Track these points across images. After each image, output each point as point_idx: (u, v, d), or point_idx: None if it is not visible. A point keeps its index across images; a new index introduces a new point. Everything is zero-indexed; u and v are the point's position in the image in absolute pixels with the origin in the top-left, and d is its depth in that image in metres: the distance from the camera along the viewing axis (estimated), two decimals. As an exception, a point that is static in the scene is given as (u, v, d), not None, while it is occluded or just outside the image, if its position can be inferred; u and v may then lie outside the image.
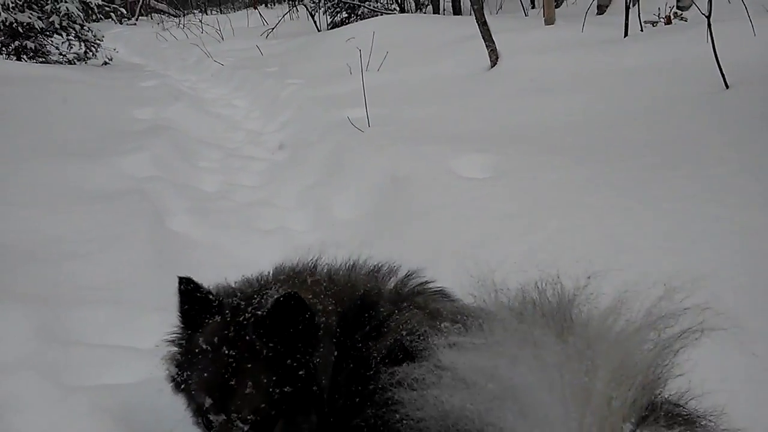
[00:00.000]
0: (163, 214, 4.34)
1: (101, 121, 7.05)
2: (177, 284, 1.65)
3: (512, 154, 4.44)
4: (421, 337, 1.39)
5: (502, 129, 5.20)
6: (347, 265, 1.80)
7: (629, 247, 2.93)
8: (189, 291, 1.64)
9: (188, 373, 1.57)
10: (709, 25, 5.03)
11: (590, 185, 3.65)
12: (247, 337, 1.51)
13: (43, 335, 2.57)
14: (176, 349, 1.69)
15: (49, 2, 12.36)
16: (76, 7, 12.55)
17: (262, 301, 1.58)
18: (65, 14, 12.39)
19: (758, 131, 4.12)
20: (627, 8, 6.93)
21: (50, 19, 12.33)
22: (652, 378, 1.07)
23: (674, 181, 3.54)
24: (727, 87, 4.97)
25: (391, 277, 1.74)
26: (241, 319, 1.55)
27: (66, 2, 12.38)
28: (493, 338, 1.12)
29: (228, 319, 1.57)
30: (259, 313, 1.54)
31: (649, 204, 3.31)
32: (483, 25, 6.97)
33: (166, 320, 2.85)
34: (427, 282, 1.72)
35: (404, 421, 1.21)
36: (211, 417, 1.50)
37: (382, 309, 1.58)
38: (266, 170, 5.78)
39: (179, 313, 1.67)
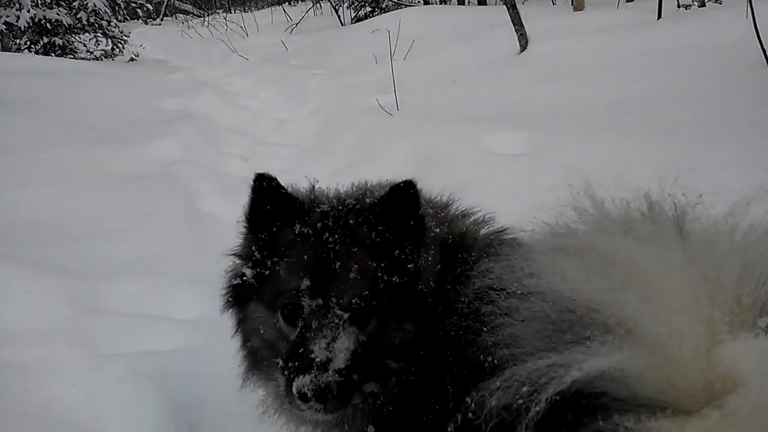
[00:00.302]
0: (193, 195, 4.31)
1: (129, 111, 7.06)
2: (253, 182, 1.53)
3: (547, 132, 4.32)
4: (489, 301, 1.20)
5: (534, 109, 5.08)
6: (443, 200, 1.66)
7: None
8: (268, 189, 1.51)
9: (276, 260, 1.44)
10: (750, 3, 4.85)
11: (633, 160, 3.52)
12: (355, 224, 1.43)
13: (77, 306, 2.53)
14: (243, 260, 1.56)
15: (76, -1, 12.49)
16: (103, 3, 12.65)
17: (361, 198, 1.50)
18: (92, 11, 12.50)
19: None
20: (661, -11, 6.75)
21: (77, 16, 12.45)
22: None
23: (719, 153, 3.40)
24: (769, 63, 4.79)
25: (483, 226, 1.58)
26: (348, 207, 1.46)
27: (93, -1, 12.50)
28: (604, 238, 1.02)
29: (333, 208, 1.47)
30: (369, 201, 1.46)
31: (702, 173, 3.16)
32: (512, 8, 6.84)
33: (202, 293, 2.83)
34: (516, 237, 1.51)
35: (489, 340, 1.11)
36: (305, 301, 1.37)
37: (473, 253, 1.42)
38: (294, 156, 5.73)
39: (251, 214, 1.55)
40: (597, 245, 1.03)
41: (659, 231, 1.02)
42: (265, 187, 1.52)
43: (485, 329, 1.15)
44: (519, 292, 1.08)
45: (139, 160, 4.91)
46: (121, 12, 14.78)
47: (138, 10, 16.29)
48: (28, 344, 2.21)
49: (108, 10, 12.83)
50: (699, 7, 7.61)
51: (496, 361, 1.08)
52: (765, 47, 4.80)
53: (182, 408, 1.91)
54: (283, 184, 1.53)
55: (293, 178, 5.27)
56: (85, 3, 12.40)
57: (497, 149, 4.12)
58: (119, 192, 4.11)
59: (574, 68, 6.14)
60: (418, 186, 1.42)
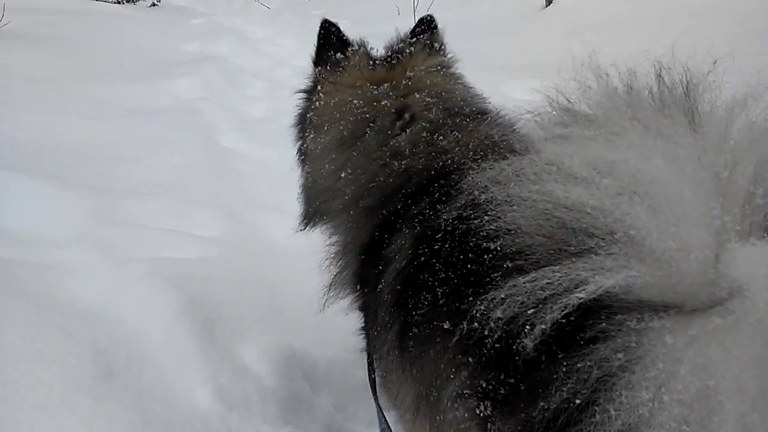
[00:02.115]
0: (212, 130, 4.38)
1: (151, 52, 7.10)
2: (319, 25, 1.89)
3: (564, 81, 4.30)
4: (484, 191, 1.18)
5: (557, 61, 5.04)
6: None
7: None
8: (330, 31, 1.85)
9: None
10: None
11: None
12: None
13: (99, 218, 2.63)
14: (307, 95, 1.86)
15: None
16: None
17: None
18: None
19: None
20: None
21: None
22: None
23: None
24: (799, 21, 4.71)
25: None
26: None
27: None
28: (609, 129, 0.96)
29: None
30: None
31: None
32: (539, -40, 6.72)
33: (220, 215, 2.92)
34: None
35: (490, 227, 1.04)
36: None
37: (455, 176, 1.41)
38: (314, 99, 5.76)
39: (317, 50, 1.88)
40: (600, 144, 0.96)
41: (669, 122, 0.95)
42: (327, 28, 1.86)
43: (486, 216, 1.08)
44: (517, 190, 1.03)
45: (161, 96, 4.98)
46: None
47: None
48: (56, 247, 2.31)
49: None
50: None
51: (501, 249, 1.04)
52: (795, 5, 4.71)
53: (199, 307, 2.00)
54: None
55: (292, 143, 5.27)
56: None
57: (514, 95, 4.12)
58: (141, 124, 4.19)
59: (599, 24, 6.07)
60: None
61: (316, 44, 1.87)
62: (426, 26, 1.87)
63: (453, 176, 1.41)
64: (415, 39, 1.82)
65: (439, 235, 1.29)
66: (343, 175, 1.63)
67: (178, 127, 4.16)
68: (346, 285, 1.71)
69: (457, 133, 1.53)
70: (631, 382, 0.85)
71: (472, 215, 1.18)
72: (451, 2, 8.84)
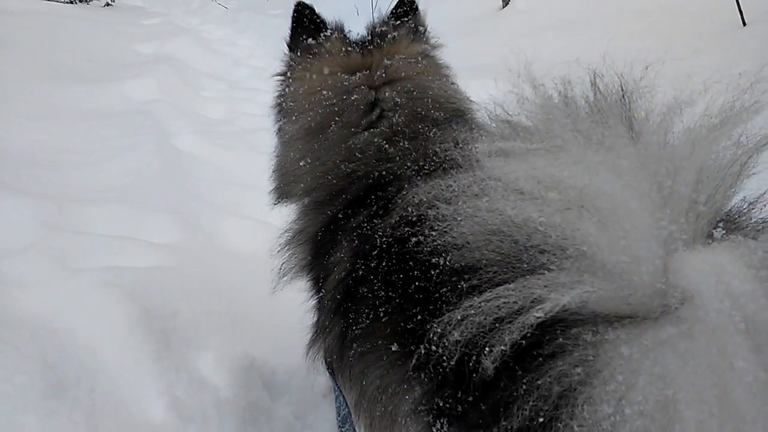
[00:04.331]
0: (168, 133, 4.29)
1: (104, 53, 6.93)
2: (293, 8, 1.80)
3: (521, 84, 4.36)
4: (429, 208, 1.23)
5: (516, 62, 5.10)
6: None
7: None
8: (304, 13, 1.78)
9: None
10: (729, -41, 4.89)
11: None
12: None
13: (48, 226, 2.54)
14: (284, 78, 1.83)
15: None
16: (78, -56, 12.24)
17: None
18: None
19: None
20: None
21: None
22: (733, 179, 0.93)
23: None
24: (744, 24, 4.86)
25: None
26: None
27: (67, -62, 12.08)
28: (550, 142, 0.95)
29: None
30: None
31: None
32: (496, -38, 6.78)
33: (176, 221, 2.86)
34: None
35: (438, 242, 1.03)
36: None
37: (392, 188, 1.45)
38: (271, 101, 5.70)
39: (291, 34, 1.82)
40: (544, 158, 0.95)
41: (609, 133, 0.95)
42: (301, 11, 1.78)
43: (433, 231, 1.06)
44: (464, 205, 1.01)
45: (114, 98, 4.86)
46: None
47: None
48: (2, 257, 2.22)
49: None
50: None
51: (449, 264, 1.02)
52: (741, 8, 4.86)
53: (153, 318, 1.95)
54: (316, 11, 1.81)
55: (270, 120, 5.26)
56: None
57: (475, 96, 4.15)
58: (93, 127, 4.07)
59: (554, 25, 6.16)
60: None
61: (290, 27, 1.82)
62: (408, 7, 1.85)
63: (390, 188, 1.43)
64: (399, 22, 1.80)
65: (376, 252, 1.32)
66: (302, 164, 1.65)
67: (132, 131, 4.06)
68: (295, 272, 1.72)
69: (407, 143, 1.52)
70: (591, 396, 0.84)
71: (409, 233, 1.21)
72: (409, 3, 8.88)
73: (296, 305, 1.73)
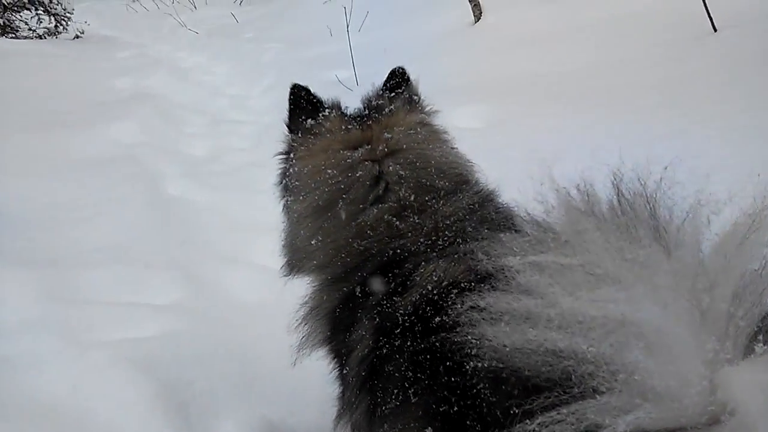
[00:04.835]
0: (156, 179, 4.28)
1: (82, 92, 6.88)
2: (289, 90, 1.86)
3: (506, 104, 4.44)
4: (452, 288, 1.32)
5: (492, 81, 5.18)
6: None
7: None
8: (300, 95, 1.84)
9: None
10: (696, -33, 5.01)
11: (593, 131, 3.65)
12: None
13: (53, 297, 2.53)
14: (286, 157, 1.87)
15: (14, -25, 11.96)
16: (44, -21, 12.17)
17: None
18: (32, -13, 12.01)
19: (749, 71, 4.15)
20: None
21: (17, -7, 11.95)
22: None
23: (677, 119, 3.56)
24: (715, 30, 4.98)
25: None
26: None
27: (32, -26, 12.00)
28: (584, 257, 0.96)
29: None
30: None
31: (653, 142, 3.32)
32: (466, -21, 6.86)
33: (176, 277, 2.86)
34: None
35: (475, 349, 1.03)
36: None
37: (408, 264, 1.48)
38: (255, 133, 5.70)
39: (290, 117, 1.87)
40: (581, 276, 0.96)
41: (642, 247, 0.96)
42: (297, 93, 1.85)
43: (470, 337, 1.05)
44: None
45: (99, 143, 4.82)
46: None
47: (80, -16, 15.62)
48: (8, 337, 2.22)
49: (49, -14, 12.33)
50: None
51: (488, 367, 1.02)
52: (711, 14, 4.97)
53: (171, 390, 1.96)
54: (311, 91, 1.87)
55: (257, 155, 5.28)
56: (24, -21, 11.90)
57: (460, 123, 4.19)
58: (82, 178, 4.05)
59: (528, 39, 6.24)
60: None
61: (287, 109, 1.87)
62: (399, 78, 1.89)
63: (406, 265, 1.47)
64: (393, 94, 1.83)
65: (399, 330, 1.36)
66: (313, 243, 1.67)
67: (121, 180, 4.05)
68: (315, 346, 1.73)
69: (417, 217, 1.56)
70: None
71: (431, 312, 1.29)
72: (382, 21, 8.95)
73: (310, 362, 1.75)
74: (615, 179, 1.05)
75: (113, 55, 9.97)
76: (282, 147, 1.88)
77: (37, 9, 12.51)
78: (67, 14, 12.85)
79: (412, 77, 1.89)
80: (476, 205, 1.58)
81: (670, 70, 4.56)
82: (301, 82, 6.40)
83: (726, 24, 4.98)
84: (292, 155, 1.81)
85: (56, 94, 6.54)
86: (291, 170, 1.77)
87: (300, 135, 1.80)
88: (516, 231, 1.57)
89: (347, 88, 5.61)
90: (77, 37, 12.96)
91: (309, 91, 1.83)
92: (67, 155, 4.52)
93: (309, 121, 1.79)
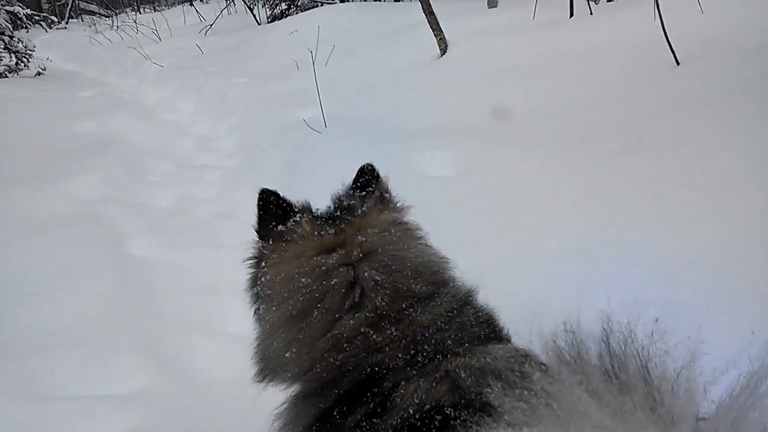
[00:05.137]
0: (119, 239, 4.15)
1: (41, 140, 6.71)
2: (258, 196, 1.76)
3: (474, 148, 4.40)
4: (436, 414, 1.28)
5: (459, 122, 5.16)
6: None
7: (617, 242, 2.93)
8: (269, 201, 1.74)
9: None
10: (657, 2, 5.07)
11: (565, 179, 3.63)
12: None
13: (10, 393, 2.40)
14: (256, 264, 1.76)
15: (-28, 14, 11.74)
16: (4, 19, 11.94)
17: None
18: (-10, 25, 11.79)
19: (711, 109, 4.17)
20: (571, -12, 6.95)
21: (-26, 32, 11.71)
22: None
23: (641, 167, 3.56)
24: (678, 63, 5.02)
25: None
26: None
27: (-9, 13, 11.79)
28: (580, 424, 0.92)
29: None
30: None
31: (622, 194, 3.31)
32: (430, 14, 6.88)
33: (143, 361, 2.74)
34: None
35: None
36: None
37: (387, 383, 1.43)
38: (221, 179, 5.60)
39: (259, 223, 1.77)
40: None
41: (636, 410, 0.92)
42: (266, 199, 1.75)
43: None
44: None
45: (58, 201, 4.67)
46: (24, 25, 13.96)
47: (42, 23, 15.40)
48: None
49: (9, 25, 12.10)
50: (607, 1, 7.89)
51: None
52: (673, 48, 5.03)
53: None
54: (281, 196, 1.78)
55: (224, 205, 5.15)
56: (-19, 18, 11.68)
57: (429, 171, 4.16)
58: (39, 244, 3.89)
59: (493, 72, 6.25)
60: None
61: (256, 215, 1.77)
62: (369, 176, 1.84)
63: (385, 383, 1.41)
64: (364, 193, 1.78)
65: None
66: (287, 355, 1.60)
67: (82, 243, 3.91)
68: None
69: (394, 329, 1.50)
70: None
71: None
72: (347, 53, 8.93)
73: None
74: (605, 330, 1.00)
75: (76, 94, 9.78)
76: (252, 253, 1.79)
77: (-4, 47, 12.29)
78: (29, 51, 12.62)
79: (381, 174, 1.85)
80: (454, 312, 1.54)
81: (632, 108, 4.58)
82: (268, 121, 6.42)
83: (688, 57, 5.04)
84: (263, 263, 1.73)
85: (14, 145, 6.36)
86: (263, 278, 1.70)
87: (271, 242, 1.72)
88: (496, 339, 1.55)
89: (315, 130, 5.55)
90: (39, 74, 12.73)
91: (278, 195, 1.75)
92: (23, 216, 4.36)
93: (279, 227, 1.71)
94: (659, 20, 5.06)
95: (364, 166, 1.84)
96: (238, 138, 6.91)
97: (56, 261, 3.69)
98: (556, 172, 3.73)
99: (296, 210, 1.75)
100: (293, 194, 4.99)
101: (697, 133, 3.85)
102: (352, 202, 1.75)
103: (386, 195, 1.83)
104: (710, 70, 4.75)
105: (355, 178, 1.84)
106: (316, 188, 4.62)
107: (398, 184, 4.08)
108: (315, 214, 1.76)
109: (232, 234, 4.41)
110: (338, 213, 1.73)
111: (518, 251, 3.00)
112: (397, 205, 1.85)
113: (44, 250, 3.84)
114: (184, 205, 5.03)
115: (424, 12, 6.90)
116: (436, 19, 6.97)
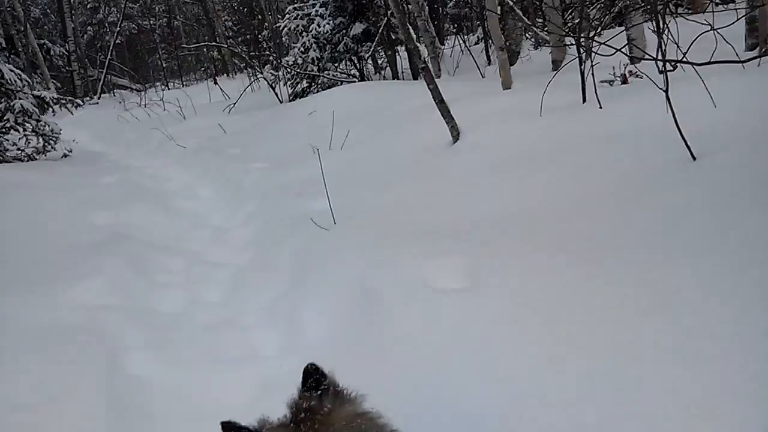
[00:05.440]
0: (117, 353, 4.04)
1: (55, 233, 6.74)
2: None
3: (488, 254, 4.24)
4: None
5: (471, 221, 5.02)
6: None
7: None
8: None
9: None
10: (668, 98, 4.95)
11: (574, 297, 3.45)
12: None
13: None
14: None
15: (2, 100, 12.18)
16: (31, 103, 12.37)
17: None
18: (20, 111, 12.19)
19: (734, 210, 3.98)
20: (582, 75, 6.90)
21: (5, 117, 12.12)
22: None
23: (666, 281, 3.36)
24: (694, 158, 4.86)
25: None
26: None
27: (20, 99, 12.21)
28: None
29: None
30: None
31: (647, 319, 3.10)
32: (440, 103, 6.87)
33: None
34: None
35: None
36: None
37: None
38: (231, 278, 5.51)
39: None
40: None
41: None
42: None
43: None
44: None
45: (60, 308, 4.59)
46: (51, 108, 14.47)
47: (67, 106, 15.94)
48: None
49: (36, 109, 12.51)
50: (622, 84, 7.83)
51: None
52: (688, 143, 4.88)
53: None
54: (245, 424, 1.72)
55: (230, 310, 4.95)
56: (12, 104, 12.09)
57: (438, 284, 4.00)
58: (26, 363, 3.76)
59: (508, 161, 6.15)
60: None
61: None
62: (317, 375, 1.83)
63: None
64: (319, 392, 1.78)
65: None
66: None
67: (77, 360, 3.79)
68: None
69: None
70: None
71: None
72: (362, 137, 8.97)
73: None
74: None
75: (97, 180, 9.93)
76: None
77: (25, 130, 12.68)
78: (55, 135, 12.99)
79: (326, 371, 1.85)
80: None
81: (652, 208, 4.40)
82: (283, 210, 6.36)
83: (705, 150, 4.87)
84: None
85: (26, 239, 6.39)
86: None
87: None
88: None
89: (323, 228, 5.47)
90: (65, 155, 13.09)
91: (240, 428, 1.71)
92: (18, 327, 4.26)
93: None
94: (672, 116, 4.92)
95: (308, 366, 1.83)
96: (251, 228, 6.88)
97: (47, 381, 3.57)
98: (572, 287, 3.55)
99: (258, 430, 1.72)
100: (303, 300, 4.77)
101: (720, 241, 3.65)
102: (312, 403, 1.74)
103: (339, 390, 1.83)
104: (727, 167, 4.57)
105: (303, 380, 1.84)
106: (322, 292, 4.53)
107: (405, 297, 3.94)
108: (279, 424, 1.73)
109: (234, 346, 4.29)
110: (302, 416, 1.71)
111: (526, 393, 2.79)
112: (353, 396, 1.84)
113: (36, 369, 3.72)
114: (190, 309, 4.94)
115: (435, 101, 6.90)
116: (447, 107, 6.95)
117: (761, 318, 2.86)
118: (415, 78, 15.04)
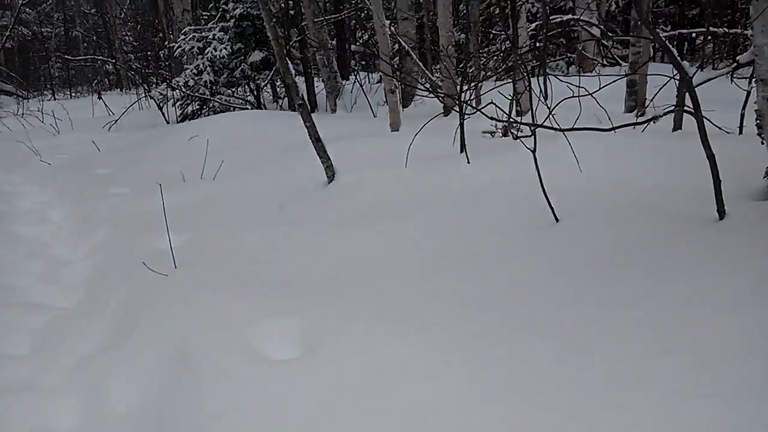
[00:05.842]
0: None
1: None
2: None
3: (322, 316, 3.81)
4: None
5: (326, 275, 4.60)
6: None
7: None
8: None
9: None
10: (536, 159, 4.79)
11: (435, 363, 3.07)
12: None
13: None
14: None
15: None
16: None
17: None
18: None
19: (587, 279, 3.77)
20: (461, 127, 6.74)
21: None
22: None
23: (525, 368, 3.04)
24: (557, 221, 4.71)
25: None
26: None
27: None
28: None
29: None
30: None
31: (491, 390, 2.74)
32: (317, 141, 6.48)
33: None
34: None
35: None
36: None
37: None
38: (46, 326, 4.73)
39: None
40: None
41: None
42: None
43: None
44: None
45: None
46: None
47: None
48: None
49: None
50: (503, 136, 7.77)
51: None
52: (552, 206, 4.72)
53: None
54: None
55: (29, 372, 4.15)
56: None
57: (267, 351, 3.52)
58: None
59: (375, 212, 5.80)
60: None
61: None
62: None
63: None
64: None
65: None
66: None
67: None
68: None
69: None
70: None
71: None
72: (238, 168, 8.49)
73: None
74: None
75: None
76: None
77: None
78: None
79: None
80: None
81: (510, 274, 4.16)
82: (129, 246, 5.56)
83: (568, 213, 4.73)
84: None
85: None
86: None
87: None
88: None
89: (161, 274, 4.86)
90: None
91: None
92: None
93: None
94: (539, 180, 4.74)
95: None
96: (92, 263, 6.12)
97: None
98: (428, 353, 3.18)
99: None
100: (116, 361, 4.08)
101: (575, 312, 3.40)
102: None
103: None
104: (588, 232, 4.41)
105: None
106: (139, 352, 3.93)
107: (228, 367, 3.41)
108: None
109: (25, 416, 3.58)
110: None
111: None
112: None
113: None
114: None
115: (311, 138, 6.50)
116: (323, 146, 6.56)
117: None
118: (311, 110, 14.68)
